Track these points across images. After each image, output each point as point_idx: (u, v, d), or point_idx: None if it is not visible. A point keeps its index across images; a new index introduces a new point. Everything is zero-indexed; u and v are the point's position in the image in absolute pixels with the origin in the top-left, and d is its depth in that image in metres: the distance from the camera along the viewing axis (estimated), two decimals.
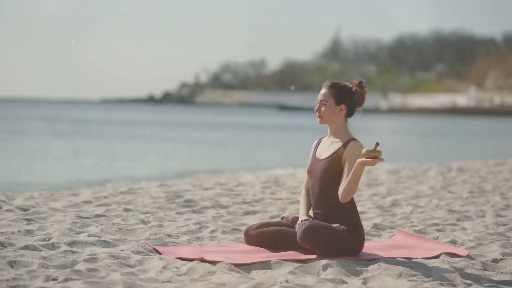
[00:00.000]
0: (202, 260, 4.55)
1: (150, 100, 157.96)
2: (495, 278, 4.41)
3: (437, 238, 5.75)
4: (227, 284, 3.98)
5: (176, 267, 4.39)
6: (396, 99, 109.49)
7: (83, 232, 5.48)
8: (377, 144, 4.61)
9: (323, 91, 4.99)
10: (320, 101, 4.98)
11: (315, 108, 4.99)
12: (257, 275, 4.28)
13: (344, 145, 4.90)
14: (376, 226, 6.25)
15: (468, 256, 5.00)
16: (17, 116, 57.45)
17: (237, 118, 70.79)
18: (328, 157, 4.93)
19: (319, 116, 4.98)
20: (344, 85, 5.00)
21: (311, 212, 5.14)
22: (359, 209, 7.30)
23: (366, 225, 6.29)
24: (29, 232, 5.32)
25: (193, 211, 6.95)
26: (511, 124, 63.51)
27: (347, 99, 4.97)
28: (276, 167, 16.78)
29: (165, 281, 4.05)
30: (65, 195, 7.89)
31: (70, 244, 4.93)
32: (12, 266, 4.21)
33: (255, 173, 11.82)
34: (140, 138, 30.87)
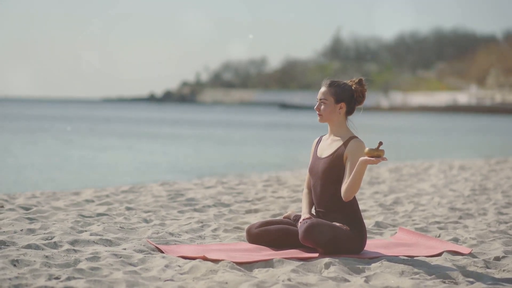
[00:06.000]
0: (205, 259, 4.56)
1: (151, 99, 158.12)
2: (497, 276, 4.41)
3: (439, 236, 5.76)
4: (229, 282, 3.98)
5: (179, 266, 4.40)
6: (397, 97, 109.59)
7: (86, 231, 5.48)
8: (380, 143, 4.61)
9: (323, 89, 4.99)
10: (320, 99, 4.98)
11: (315, 107, 4.99)
12: (260, 274, 4.29)
13: (345, 144, 4.90)
14: (378, 224, 6.26)
15: (470, 254, 5.00)
16: (25, 116, 57.34)
17: (238, 116, 70.76)
18: (329, 155, 4.93)
19: (319, 115, 4.98)
20: (344, 83, 5.00)
21: (313, 211, 5.14)
22: (361, 207, 7.31)
23: (368, 223, 6.30)
24: (31, 231, 5.33)
25: (195, 210, 6.96)
26: None
27: (347, 97, 4.97)
28: (278, 165, 16.77)
29: (167, 280, 4.05)
30: (67, 194, 7.90)
31: (73, 243, 4.93)
32: (14, 265, 4.22)
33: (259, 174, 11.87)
34: (150, 137, 30.87)
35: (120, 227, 5.67)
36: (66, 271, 4.09)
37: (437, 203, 7.77)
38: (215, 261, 4.51)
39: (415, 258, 4.81)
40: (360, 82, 5.00)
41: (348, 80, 5.03)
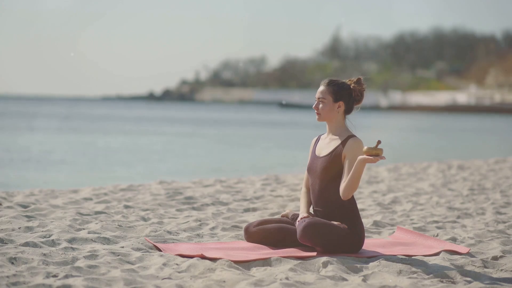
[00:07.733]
0: (202, 257, 4.56)
1: (150, 97, 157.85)
2: (495, 276, 4.41)
3: (437, 236, 5.76)
4: (227, 281, 3.98)
5: (176, 264, 4.40)
6: (397, 97, 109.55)
7: (84, 229, 5.48)
8: (379, 142, 4.61)
9: (321, 88, 4.99)
10: (318, 98, 4.98)
11: (313, 105, 5.00)
12: (257, 272, 4.29)
13: (343, 142, 4.90)
14: (376, 223, 6.26)
15: (468, 254, 5.00)
16: (27, 113, 57.25)
17: (237, 115, 70.75)
18: (328, 154, 4.93)
19: (318, 113, 4.98)
20: (342, 82, 5.00)
21: (311, 210, 5.14)
22: (359, 206, 7.31)
23: (366, 222, 6.30)
24: (29, 229, 5.33)
25: (193, 208, 6.96)
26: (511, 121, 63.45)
27: (345, 96, 4.97)
28: (276, 164, 16.77)
29: (165, 278, 4.05)
30: (65, 192, 7.90)
31: (71, 241, 4.93)
32: (12, 263, 4.22)
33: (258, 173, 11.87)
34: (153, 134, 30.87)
35: (118, 225, 5.67)
36: (64, 269, 4.09)
37: (436, 203, 7.78)
38: (213, 259, 4.51)
39: (413, 257, 4.81)
40: (358, 81, 5.01)
41: (347, 80, 5.03)
